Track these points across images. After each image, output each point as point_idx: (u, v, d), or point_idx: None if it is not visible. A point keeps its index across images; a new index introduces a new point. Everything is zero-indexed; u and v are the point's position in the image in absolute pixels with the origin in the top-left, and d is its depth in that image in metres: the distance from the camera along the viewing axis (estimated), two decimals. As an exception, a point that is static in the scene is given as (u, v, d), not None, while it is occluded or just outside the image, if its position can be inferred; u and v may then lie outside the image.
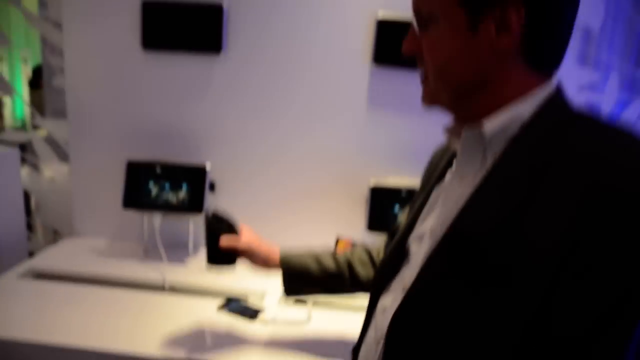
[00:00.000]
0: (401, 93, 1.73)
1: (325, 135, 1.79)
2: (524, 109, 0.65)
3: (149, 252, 1.80)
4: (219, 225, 1.11)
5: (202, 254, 1.84)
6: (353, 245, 1.69)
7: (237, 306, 1.46)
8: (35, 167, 2.22)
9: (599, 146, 0.57)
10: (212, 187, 1.82)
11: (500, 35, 0.63)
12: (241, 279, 1.58)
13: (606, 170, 0.55)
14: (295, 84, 1.77)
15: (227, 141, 1.83)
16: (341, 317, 1.44)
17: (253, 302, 1.50)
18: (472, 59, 0.65)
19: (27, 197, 2.10)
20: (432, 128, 1.74)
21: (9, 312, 1.38)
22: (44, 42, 2.11)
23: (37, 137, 2.17)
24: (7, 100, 5.09)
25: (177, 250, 1.83)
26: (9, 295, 1.48)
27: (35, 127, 2.40)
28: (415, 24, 0.71)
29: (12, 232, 1.95)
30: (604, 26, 1.69)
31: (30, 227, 2.18)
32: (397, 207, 1.70)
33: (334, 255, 1.15)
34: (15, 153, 1.98)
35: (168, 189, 1.75)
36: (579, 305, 0.54)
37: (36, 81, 5.30)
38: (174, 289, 1.59)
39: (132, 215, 1.82)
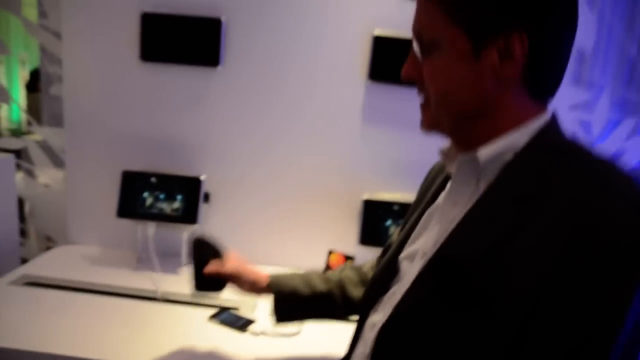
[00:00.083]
0: (396, 109, 1.76)
1: (320, 149, 1.81)
2: (519, 138, 0.66)
3: (142, 261, 1.81)
4: (205, 251, 1.09)
5: (195, 264, 1.86)
6: (346, 258, 1.70)
7: (228, 316, 1.47)
8: (30, 173, 2.22)
9: (588, 185, 0.59)
10: (206, 198, 1.83)
11: (504, 63, 0.64)
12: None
13: (593, 213, 0.56)
14: (291, 99, 1.79)
15: (222, 153, 1.85)
16: (331, 330, 1.45)
17: (244, 312, 1.51)
18: (474, 86, 0.66)
19: (20, 203, 2.11)
20: (426, 145, 1.76)
21: (0, 319, 1.38)
22: (43, 51, 2.12)
23: (32, 144, 2.18)
24: (3, 104, 5.09)
25: (170, 260, 1.83)
26: (0, 302, 1.47)
27: (29, 132, 2.40)
28: (416, 48, 0.70)
29: (5, 239, 1.95)
30: (597, 48, 1.73)
31: (23, 233, 2.18)
32: (389, 222, 1.72)
33: (323, 276, 1.10)
34: (11, 160, 1.99)
35: (163, 200, 1.76)
36: (551, 340, 0.56)
37: (33, 84, 5.31)
38: (167, 299, 1.59)
39: (126, 224, 1.82)
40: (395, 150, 1.79)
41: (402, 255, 0.80)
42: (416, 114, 1.89)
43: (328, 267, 1.70)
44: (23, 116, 4.44)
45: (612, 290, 0.54)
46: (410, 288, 0.70)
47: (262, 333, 1.40)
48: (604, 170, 0.62)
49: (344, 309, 1.08)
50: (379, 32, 1.69)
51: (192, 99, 1.81)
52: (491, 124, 0.68)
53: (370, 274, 1.11)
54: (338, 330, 1.45)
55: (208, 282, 1.09)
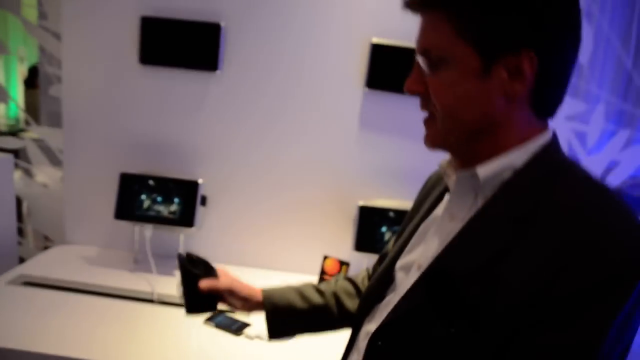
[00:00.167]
0: (393, 117, 1.78)
1: (317, 155, 1.82)
2: (519, 156, 0.67)
3: (139, 263, 1.82)
4: (195, 269, 1.00)
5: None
6: (341, 263, 1.72)
7: (224, 320, 1.49)
8: (27, 172, 2.23)
9: (585, 206, 0.61)
10: (203, 201, 1.84)
11: (513, 82, 0.64)
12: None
13: (590, 231, 0.58)
14: (289, 105, 1.80)
15: (220, 157, 1.86)
16: (326, 334, 1.47)
17: (240, 316, 1.52)
18: (482, 103, 0.66)
19: (18, 202, 2.11)
20: (422, 153, 1.77)
21: (-3, 319, 1.40)
22: (42, 51, 2.13)
23: (30, 143, 2.18)
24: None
25: (167, 262, 1.84)
26: (-3, 302, 1.49)
27: (27, 129, 2.40)
28: (422, 63, 0.69)
29: (3, 238, 1.96)
30: (593, 60, 1.75)
31: (21, 232, 2.19)
32: (384, 228, 1.73)
33: (317, 288, 1.06)
34: (10, 160, 1.99)
35: (160, 202, 1.78)
36: (535, 355, 0.58)
37: (32, 81, 5.29)
38: (162, 301, 1.61)
39: (123, 225, 1.84)
40: (391, 158, 1.80)
41: (398, 265, 0.81)
42: (412, 122, 1.89)
43: (323, 272, 1.72)
44: (21, 114, 4.44)
45: (603, 308, 0.56)
46: (404, 297, 0.71)
47: (257, 337, 1.41)
48: (600, 193, 0.63)
49: (340, 321, 1.04)
50: (376, 40, 1.70)
51: (191, 103, 1.83)
52: (495, 142, 0.68)
53: (364, 285, 1.12)
54: (332, 334, 1.47)
55: (201, 302, 1.01)
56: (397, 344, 0.70)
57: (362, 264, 1.78)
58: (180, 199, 1.78)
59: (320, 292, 1.04)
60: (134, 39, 1.78)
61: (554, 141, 0.69)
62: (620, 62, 1.84)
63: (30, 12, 2.28)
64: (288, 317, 1.01)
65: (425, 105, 0.71)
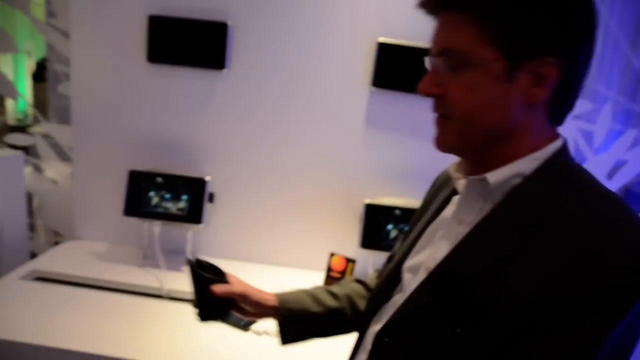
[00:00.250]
0: (398, 116, 1.78)
1: (323, 153, 1.84)
2: (530, 164, 0.68)
3: (148, 258, 1.85)
4: (207, 275, 0.95)
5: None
6: (347, 260, 1.74)
7: (232, 315, 1.51)
8: (37, 168, 2.26)
9: (593, 214, 0.62)
10: (211, 198, 1.86)
11: (535, 88, 0.65)
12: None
13: (597, 239, 0.59)
14: (296, 103, 1.81)
15: (227, 155, 1.88)
16: (337, 337, 1.48)
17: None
18: (504, 108, 0.65)
19: (29, 198, 2.15)
20: (427, 151, 1.79)
21: (9, 313, 1.43)
22: (51, 49, 2.14)
23: (40, 140, 2.21)
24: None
25: (175, 258, 1.87)
26: (10, 297, 1.52)
27: (35, 124, 2.43)
28: (439, 63, 0.68)
29: (15, 234, 1.99)
30: (602, 59, 1.74)
31: (31, 227, 2.22)
32: (390, 226, 1.75)
33: (330, 291, 1.03)
34: (20, 157, 2.02)
35: (168, 199, 1.80)
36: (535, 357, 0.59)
37: (40, 74, 5.31)
38: (171, 297, 1.63)
39: (132, 221, 1.86)
40: (397, 156, 1.81)
41: (406, 266, 0.82)
42: (418, 121, 1.91)
43: (330, 269, 1.74)
44: (29, 109, 4.48)
45: (605, 316, 0.57)
46: (410, 297, 0.73)
47: (265, 332, 1.44)
48: (609, 202, 0.64)
49: (355, 323, 1.00)
50: (382, 39, 1.71)
51: (198, 101, 1.84)
52: (511, 147, 0.68)
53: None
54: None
55: (214, 309, 0.97)
56: (402, 342, 0.72)
57: (368, 261, 1.80)
58: (188, 196, 1.80)
59: (334, 295, 1.01)
60: (141, 37, 1.79)
61: (565, 148, 0.69)
62: (629, 62, 1.83)
63: (38, 10, 2.29)
64: (303, 322, 0.98)
65: (439, 107, 0.70)
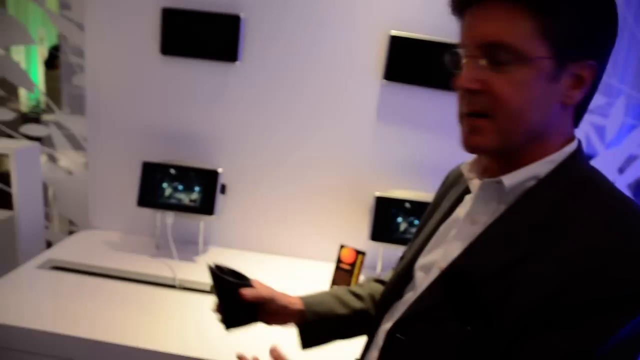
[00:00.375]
0: (410, 109, 1.79)
1: (334, 145, 1.85)
2: (545, 166, 0.68)
3: (161, 248, 1.88)
4: (234, 280, 0.89)
5: (211, 252, 1.93)
6: (357, 253, 1.75)
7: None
8: (51, 157, 2.30)
9: (603, 217, 0.62)
10: (223, 189, 1.88)
11: (574, 89, 0.65)
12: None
13: (606, 243, 0.60)
14: (308, 96, 1.82)
15: (239, 147, 1.90)
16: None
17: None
18: (546, 107, 0.65)
19: (44, 187, 2.18)
20: (438, 145, 1.80)
21: (28, 302, 1.47)
22: (64, 40, 2.16)
23: (54, 130, 2.24)
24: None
25: (188, 248, 1.90)
26: (28, 285, 1.56)
27: (48, 111, 2.46)
28: (481, 57, 0.65)
29: (32, 224, 2.03)
30: (616, 53, 1.72)
31: (47, 216, 2.27)
32: (400, 219, 1.76)
33: (354, 292, 1.01)
34: (37, 147, 2.06)
35: (181, 190, 1.83)
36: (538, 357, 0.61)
37: (51, 61, 5.35)
38: (184, 287, 1.67)
39: (145, 211, 1.89)
40: (408, 149, 1.82)
41: (418, 264, 0.83)
42: (430, 115, 1.91)
43: (340, 261, 1.76)
44: (42, 97, 4.52)
45: (609, 320, 0.58)
46: (422, 295, 0.74)
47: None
48: (622, 205, 0.64)
49: None
50: (395, 32, 1.70)
51: (211, 93, 1.86)
52: (539, 149, 0.68)
53: None
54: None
55: (241, 316, 0.91)
56: (414, 339, 0.73)
57: (378, 253, 1.82)
58: (200, 188, 1.82)
59: (357, 296, 1.00)
60: (155, 29, 1.80)
61: (579, 150, 0.70)
62: (644, 58, 1.81)
63: (51, 2, 2.31)
64: (329, 324, 0.95)
65: (477, 104, 0.66)
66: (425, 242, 0.83)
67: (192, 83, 1.85)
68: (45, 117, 2.63)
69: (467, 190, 0.81)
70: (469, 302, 0.66)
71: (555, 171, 0.68)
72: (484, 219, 0.72)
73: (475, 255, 0.69)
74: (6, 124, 2.22)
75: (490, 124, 0.66)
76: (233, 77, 1.83)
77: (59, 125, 2.24)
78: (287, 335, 0.86)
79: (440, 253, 0.78)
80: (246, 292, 0.88)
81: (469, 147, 0.69)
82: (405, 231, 1.76)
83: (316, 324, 0.95)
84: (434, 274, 0.76)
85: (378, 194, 1.78)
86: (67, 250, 1.83)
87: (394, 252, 1.77)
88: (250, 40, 1.79)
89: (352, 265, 1.75)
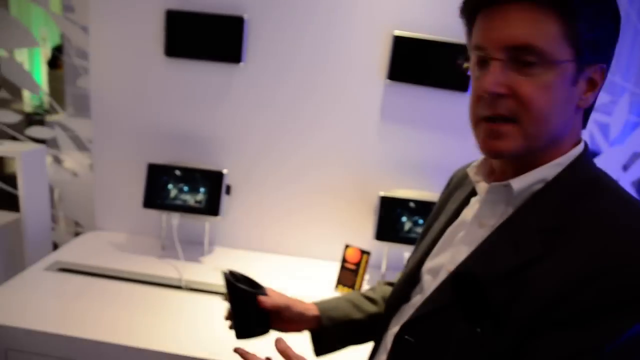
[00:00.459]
0: (413, 109, 1.79)
1: (338, 146, 1.85)
2: (553, 169, 0.68)
3: (167, 249, 1.89)
4: (249, 289, 0.87)
5: (217, 253, 1.94)
6: (362, 252, 1.76)
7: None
8: (56, 158, 2.31)
9: (611, 219, 0.63)
10: (228, 190, 1.89)
11: (588, 92, 0.66)
12: (256, 279, 1.66)
13: (616, 246, 0.60)
14: (311, 96, 1.83)
15: (244, 148, 1.90)
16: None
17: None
18: (566, 111, 0.65)
19: (50, 189, 2.20)
20: (442, 144, 1.81)
21: (36, 304, 1.48)
22: (68, 42, 2.17)
23: (60, 132, 2.25)
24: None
25: (193, 249, 1.91)
26: (36, 288, 1.57)
27: (52, 112, 2.47)
28: (511, 60, 0.63)
29: (39, 226, 2.05)
30: (619, 51, 1.72)
31: (53, 218, 2.28)
32: (405, 218, 1.77)
33: (367, 296, 1.01)
34: (43, 150, 2.07)
35: (187, 192, 1.84)
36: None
37: (55, 61, 5.35)
38: (190, 287, 1.68)
39: (151, 212, 1.90)
40: (412, 149, 1.82)
41: (425, 268, 0.83)
42: (433, 114, 1.91)
43: (345, 260, 1.77)
44: (45, 98, 4.54)
45: (616, 323, 0.58)
46: (430, 297, 0.75)
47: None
48: (629, 207, 0.65)
49: None
50: (398, 32, 1.70)
51: (215, 94, 1.86)
52: (554, 151, 0.68)
53: None
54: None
55: (255, 325, 0.89)
56: (422, 340, 0.73)
57: (383, 253, 1.82)
58: (206, 189, 1.83)
59: (371, 300, 1.00)
60: (159, 31, 1.81)
61: (586, 152, 0.70)
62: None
63: (54, 4, 2.31)
64: (345, 329, 0.94)
65: (505, 107, 0.64)
66: (432, 245, 0.83)
67: (196, 84, 1.86)
68: (49, 117, 2.64)
69: (472, 193, 0.81)
70: (479, 304, 0.67)
71: (563, 174, 0.68)
72: (492, 222, 0.72)
73: (484, 258, 0.70)
74: (11, 126, 2.23)
75: (515, 129, 0.65)
76: (237, 78, 1.84)
77: (64, 127, 2.25)
78: (297, 341, 0.86)
79: (448, 256, 0.78)
80: (264, 300, 0.87)
81: (492, 152, 0.68)
82: (410, 230, 1.76)
83: (332, 330, 0.93)
84: (442, 277, 0.76)
85: (382, 193, 1.78)
86: (73, 251, 1.84)
87: (399, 251, 1.78)
88: (254, 42, 1.79)
89: (357, 265, 1.75)
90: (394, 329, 0.81)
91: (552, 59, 0.62)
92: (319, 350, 0.95)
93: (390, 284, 1.05)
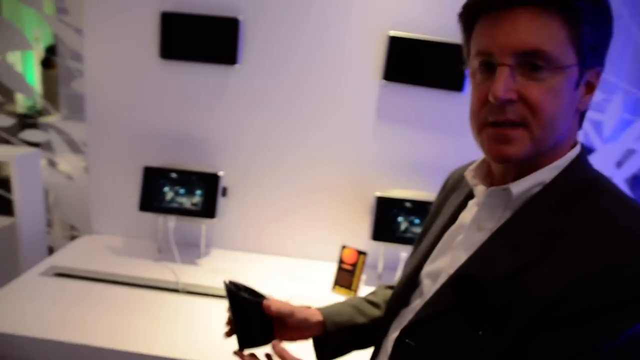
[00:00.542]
0: (409, 109, 1.79)
1: (334, 146, 1.86)
2: (551, 172, 0.68)
3: (163, 252, 1.89)
4: (249, 298, 0.86)
5: (213, 255, 1.94)
6: (359, 253, 1.76)
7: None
8: (50, 161, 2.29)
9: (609, 221, 0.63)
10: (224, 192, 1.89)
11: (586, 95, 0.67)
12: (253, 280, 1.66)
13: (616, 247, 0.60)
14: (307, 97, 1.83)
15: (239, 149, 1.90)
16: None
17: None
18: (569, 115, 0.66)
19: (45, 193, 2.18)
20: (437, 144, 1.81)
21: (32, 310, 1.47)
22: (62, 44, 2.16)
23: (54, 136, 2.24)
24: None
25: (190, 252, 1.91)
26: (32, 293, 1.56)
27: (45, 113, 2.47)
28: (520, 65, 0.63)
29: (34, 230, 2.04)
30: (612, 50, 1.73)
31: (48, 222, 2.27)
32: (401, 218, 1.77)
33: (370, 300, 1.00)
34: (37, 154, 2.06)
35: (183, 194, 1.83)
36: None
37: (48, 61, 5.32)
38: (187, 290, 1.67)
39: (147, 216, 1.89)
40: (407, 149, 1.83)
41: (424, 272, 0.83)
42: (429, 115, 1.92)
43: (341, 261, 1.77)
44: (39, 99, 4.51)
45: (614, 325, 0.59)
46: (430, 301, 0.75)
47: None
48: (627, 208, 0.65)
49: None
50: (394, 32, 1.71)
51: (211, 96, 1.86)
52: (554, 153, 0.68)
53: None
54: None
55: (258, 333, 0.87)
56: (423, 343, 0.73)
57: (379, 253, 1.83)
58: (202, 191, 1.83)
59: (373, 304, 0.99)
60: (154, 34, 1.80)
61: (582, 154, 0.70)
62: (640, 52, 1.82)
63: (48, 7, 2.30)
64: (349, 334, 0.93)
65: (515, 113, 0.64)
66: (430, 249, 0.83)
67: (191, 86, 1.85)
68: (43, 119, 2.62)
69: (469, 196, 0.81)
70: (479, 306, 0.67)
71: (560, 176, 0.68)
72: (490, 226, 0.73)
73: (483, 261, 0.70)
74: (5, 130, 2.22)
75: (524, 133, 0.65)
76: (232, 79, 1.83)
77: (58, 130, 2.24)
78: (298, 347, 0.86)
79: (447, 260, 0.78)
80: (269, 305, 0.86)
81: (500, 157, 0.68)
82: (406, 230, 1.77)
83: (336, 335, 0.92)
84: (442, 280, 0.76)
85: (378, 194, 1.78)
86: (69, 256, 1.83)
87: (395, 251, 1.79)
88: (249, 43, 1.79)
89: (354, 265, 1.76)
90: (394, 333, 0.81)
91: (560, 64, 0.62)
92: (323, 356, 0.94)
93: (390, 287, 1.04)
